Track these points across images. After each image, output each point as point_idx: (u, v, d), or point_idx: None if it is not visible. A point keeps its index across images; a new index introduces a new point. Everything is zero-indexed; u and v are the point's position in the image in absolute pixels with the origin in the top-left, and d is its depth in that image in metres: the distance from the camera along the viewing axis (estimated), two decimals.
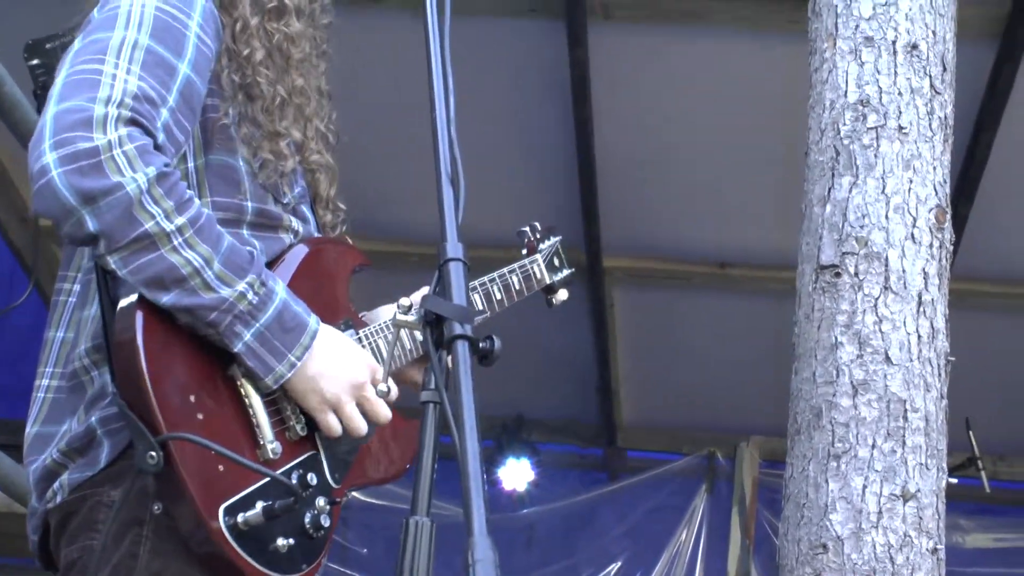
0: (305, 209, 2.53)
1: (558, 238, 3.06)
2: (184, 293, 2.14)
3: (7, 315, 4.34)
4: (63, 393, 2.33)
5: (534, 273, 2.95)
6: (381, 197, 5.99)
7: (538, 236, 3.00)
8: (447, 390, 1.84)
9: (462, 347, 1.87)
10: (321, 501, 2.28)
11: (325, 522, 2.28)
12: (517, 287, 2.91)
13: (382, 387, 2.29)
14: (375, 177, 5.70)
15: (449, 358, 1.87)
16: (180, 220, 2.13)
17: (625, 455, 7.99)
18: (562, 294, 3.05)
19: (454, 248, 1.97)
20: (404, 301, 2.35)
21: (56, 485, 2.27)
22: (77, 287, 2.37)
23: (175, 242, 2.12)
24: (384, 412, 2.36)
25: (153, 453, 2.09)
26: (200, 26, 2.31)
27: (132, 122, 2.11)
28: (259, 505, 2.16)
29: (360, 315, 2.59)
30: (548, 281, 2.99)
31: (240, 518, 2.14)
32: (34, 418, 2.35)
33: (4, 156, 6.10)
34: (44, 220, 2.62)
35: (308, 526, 2.24)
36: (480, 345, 1.89)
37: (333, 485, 2.34)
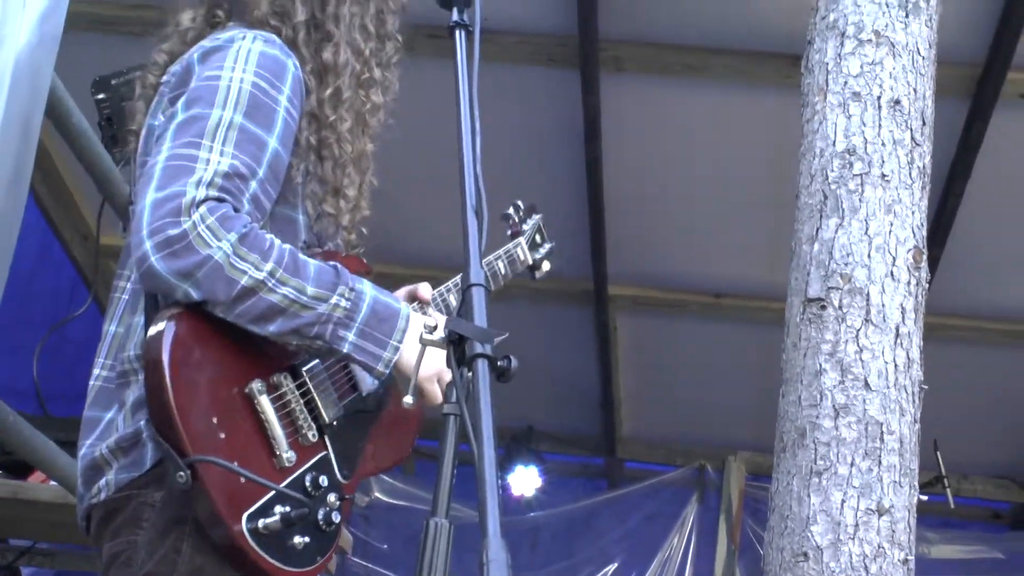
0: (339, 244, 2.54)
1: (539, 216, 3.07)
2: (286, 320, 2.18)
3: (67, 325, 4.34)
4: (111, 384, 2.33)
5: (518, 256, 2.97)
6: (404, 226, 5.99)
7: (521, 215, 2.99)
8: (467, 404, 1.84)
9: (482, 365, 1.86)
10: (332, 497, 2.29)
11: (336, 518, 2.29)
12: (503, 272, 2.94)
13: (407, 399, 2.29)
14: (400, 208, 5.70)
15: (471, 375, 1.86)
16: (269, 266, 2.16)
17: (624, 465, 7.97)
18: (546, 266, 3.07)
19: (476, 274, 1.96)
20: (429, 322, 2.35)
21: (102, 482, 2.27)
22: (129, 286, 2.39)
23: (269, 284, 2.16)
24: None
25: (182, 473, 2.10)
26: (289, 99, 2.33)
27: (216, 199, 2.14)
28: (277, 511, 2.18)
29: None
30: (531, 261, 3.03)
31: (260, 523, 2.16)
32: (88, 403, 2.37)
33: (69, 180, 6.11)
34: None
35: (321, 522, 2.26)
36: (499, 363, 1.88)
37: (343, 481, 2.34)
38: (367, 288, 2.27)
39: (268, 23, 2.43)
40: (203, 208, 2.12)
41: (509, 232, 2.97)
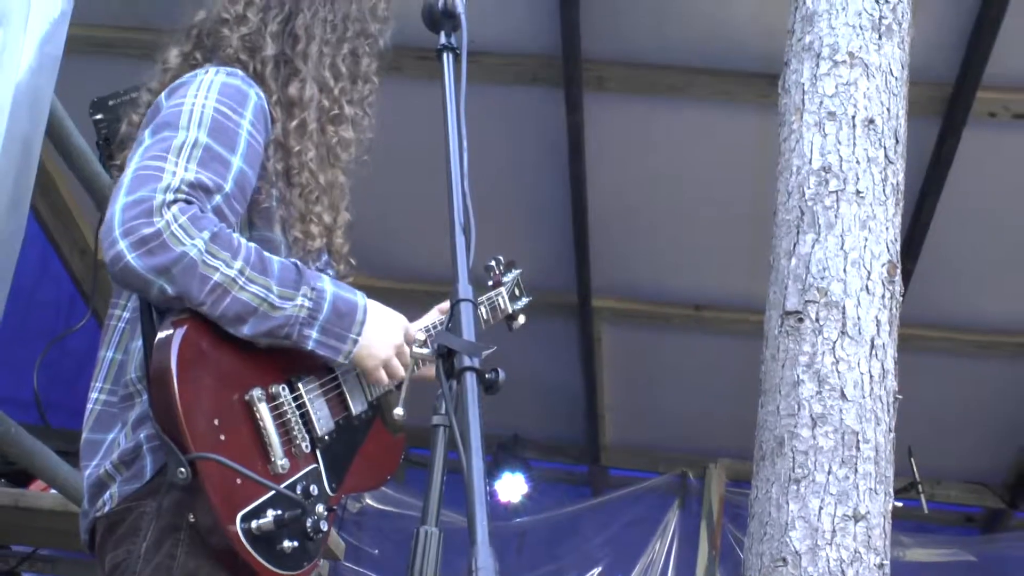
0: (330, 273, 2.56)
1: (519, 271, 3.14)
2: (258, 320, 2.23)
3: (67, 338, 4.33)
4: (114, 408, 2.36)
5: (499, 304, 3.04)
6: (395, 242, 6.00)
7: (501, 270, 3.06)
8: (456, 415, 1.84)
9: (470, 377, 1.87)
10: (320, 508, 2.30)
11: (323, 526, 2.30)
12: (485, 317, 3.00)
13: (398, 411, 2.30)
14: (390, 224, 5.70)
15: (459, 387, 1.87)
16: (238, 264, 2.21)
17: (607, 472, 7.97)
18: (521, 319, 3.14)
19: (465, 290, 1.99)
20: (420, 336, 2.38)
21: (106, 496, 2.30)
22: (127, 315, 2.42)
23: (240, 282, 2.20)
24: (407, 360, 2.45)
25: (183, 469, 2.13)
26: (252, 123, 2.38)
27: (185, 201, 2.18)
28: (270, 513, 2.20)
29: None
30: (510, 311, 3.09)
31: (254, 524, 2.18)
32: (87, 427, 2.39)
33: (68, 197, 6.11)
34: (101, 254, 2.64)
35: (309, 530, 2.27)
36: (487, 376, 1.89)
37: (330, 493, 2.36)
38: (327, 286, 2.33)
39: (238, 59, 2.49)
40: (175, 208, 2.16)
41: (491, 282, 3.03)
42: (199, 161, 2.25)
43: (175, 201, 2.16)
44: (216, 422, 2.19)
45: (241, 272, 2.21)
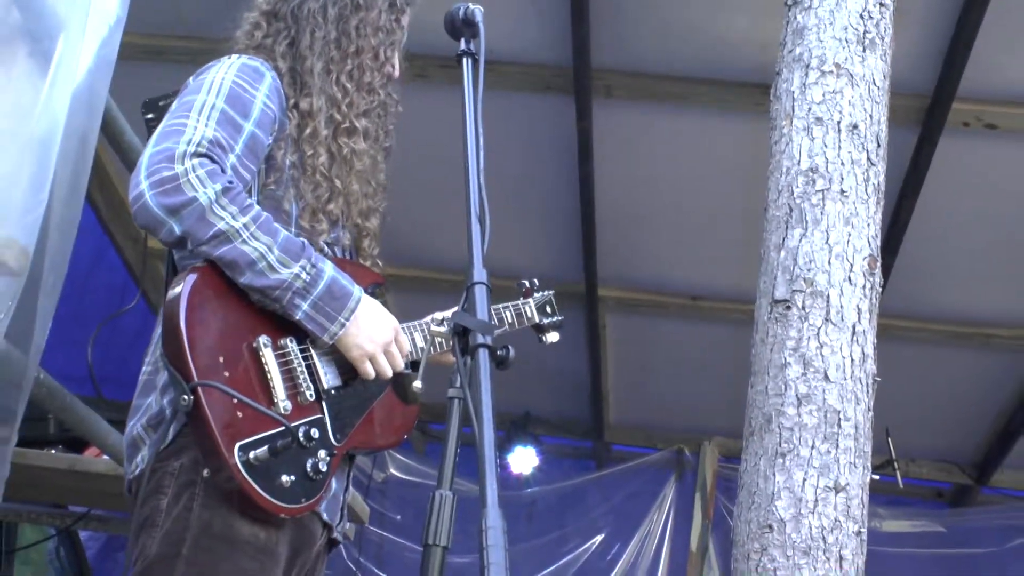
0: (336, 250, 2.57)
1: (551, 292, 3.12)
2: (255, 275, 2.24)
3: (119, 318, 4.34)
4: (151, 376, 2.39)
5: (525, 312, 3.03)
6: (419, 234, 5.99)
7: (534, 287, 3.04)
8: (469, 388, 1.84)
9: (483, 354, 1.86)
10: (322, 452, 2.30)
11: (323, 468, 2.30)
12: (509, 320, 3.00)
13: (416, 384, 2.30)
14: (415, 218, 5.70)
15: (473, 363, 1.87)
16: (244, 219, 2.24)
17: (610, 448, 7.96)
18: (552, 336, 3.10)
19: (479, 273, 1.99)
20: (437, 315, 2.37)
21: (139, 458, 2.34)
22: None
23: (243, 236, 2.23)
24: (399, 364, 2.45)
25: (186, 396, 2.14)
26: (267, 95, 2.43)
27: (205, 155, 2.23)
28: (266, 446, 2.20)
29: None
30: (536, 320, 3.06)
31: (251, 455, 2.18)
32: (136, 395, 2.42)
33: (122, 190, 6.11)
34: (152, 242, 2.64)
35: (309, 470, 2.26)
36: (498, 352, 1.89)
37: (335, 443, 2.35)
38: (328, 268, 2.34)
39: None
40: (195, 160, 2.21)
41: (522, 294, 3.03)
42: (217, 121, 2.29)
43: (196, 154, 2.21)
44: (221, 359, 2.21)
45: (246, 227, 2.23)
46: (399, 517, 7.64)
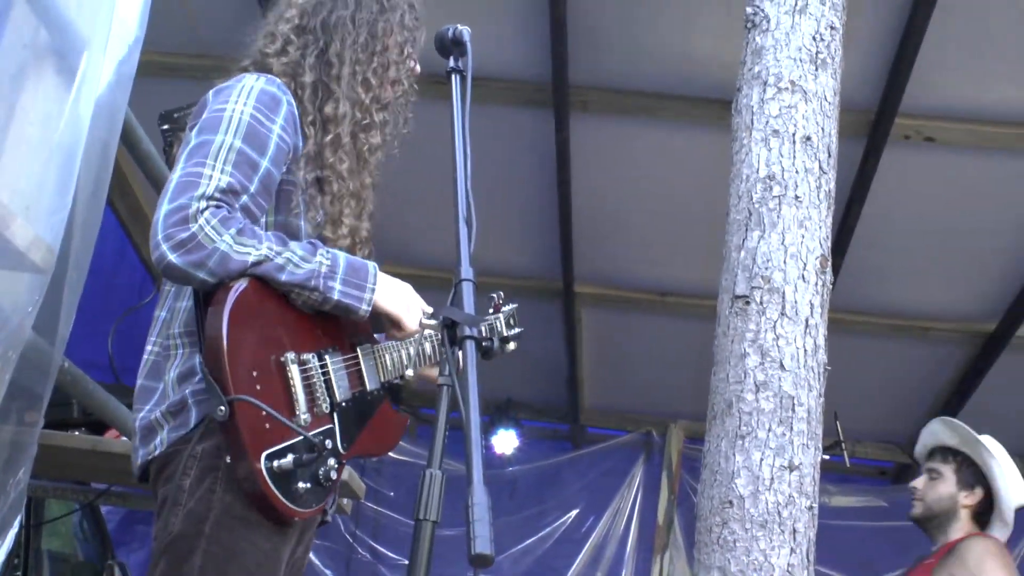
0: None
1: (515, 305, 3.02)
2: (289, 275, 2.25)
3: (137, 312, 4.33)
4: (160, 358, 2.35)
5: (496, 327, 2.93)
6: (412, 235, 5.99)
7: (501, 302, 2.96)
8: (457, 377, 1.83)
9: (470, 345, 1.86)
10: (332, 461, 2.29)
11: (333, 475, 2.29)
12: (486, 335, 2.90)
13: (408, 372, 2.30)
14: (408, 220, 5.69)
15: (460, 353, 1.86)
16: (264, 246, 2.23)
17: (585, 430, 7.96)
18: (511, 345, 2.99)
19: (466, 271, 1.99)
20: (427, 310, 2.36)
21: (157, 440, 2.29)
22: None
23: (270, 256, 2.23)
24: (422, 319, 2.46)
25: (222, 408, 2.12)
26: (282, 127, 2.35)
27: (215, 206, 2.19)
28: (290, 456, 2.18)
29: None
30: (506, 334, 2.95)
31: (276, 464, 2.16)
32: (141, 375, 2.38)
33: (140, 195, 6.09)
34: None
35: (321, 477, 2.26)
36: (484, 344, 1.88)
37: (341, 451, 2.34)
38: (340, 253, 2.34)
39: (281, 79, 2.45)
40: (206, 213, 2.17)
41: (491, 309, 2.95)
42: (233, 164, 2.24)
43: (207, 208, 2.17)
44: (254, 374, 2.19)
45: (269, 249, 2.23)
46: (392, 494, 7.63)
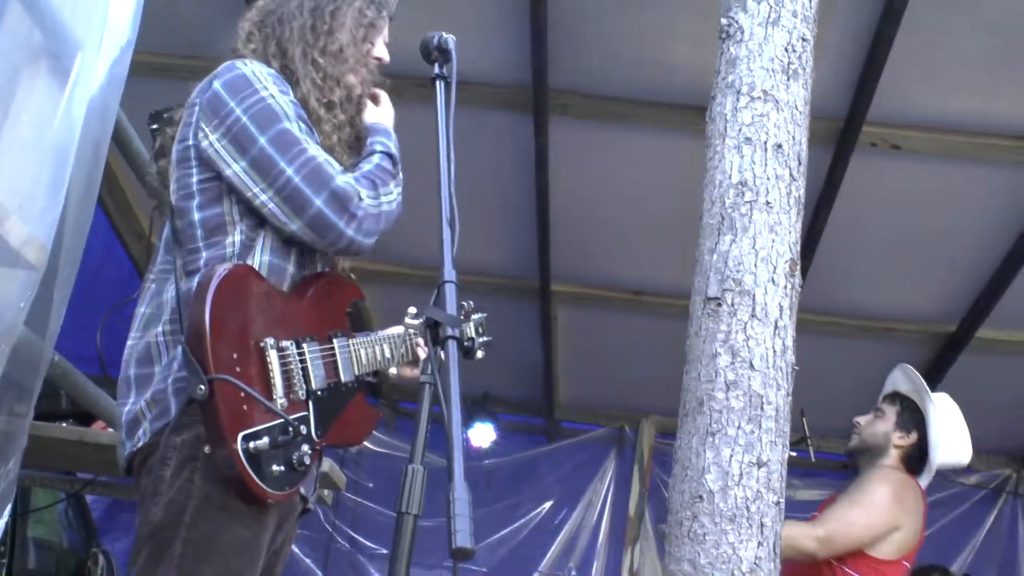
0: (318, 263, 2.58)
1: (484, 314, 3.01)
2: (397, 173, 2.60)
3: (124, 306, 4.31)
4: (142, 353, 2.35)
5: (465, 333, 2.90)
6: (397, 234, 5.95)
7: (471, 310, 2.97)
8: (439, 375, 1.83)
9: (452, 345, 1.86)
10: (305, 447, 2.29)
11: (307, 461, 2.29)
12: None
13: (393, 370, 2.30)
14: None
15: (442, 352, 1.86)
16: (376, 180, 2.50)
17: (560, 425, 7.97)
18: (480, 353, 2.96)
19: (449, 272, 1.99)
20: (412, 310, 2.37)
21: (140, 432, 2.30)
22: (152, 276, 2.44)
23: (384, 178, 2.55)
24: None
25: (202, 386, 2.12)
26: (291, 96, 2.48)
27: (351, 178, 2.43)
28: (266, 438, 2.18)
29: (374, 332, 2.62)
30: (476, 339, 2.94)
31: (251, 445, 2.16)
32: (123, 369, 2.38)
33: (128, 190, 6.06)
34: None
35: (294, 461, 2.26)
36: (465, 344, 1.89)
37: (316, 438, 2.34)
38: (373, 157, 2.57)
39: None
40: (355, 186, 2.41)
41: (462, 315, 2.92)
42: (311, 146, 2.39)
43: (346, 182, 2.38)
44: (235, 356, 2.19)
45: (378, 177, 2.51)
46: (372, 485, 7.62)
